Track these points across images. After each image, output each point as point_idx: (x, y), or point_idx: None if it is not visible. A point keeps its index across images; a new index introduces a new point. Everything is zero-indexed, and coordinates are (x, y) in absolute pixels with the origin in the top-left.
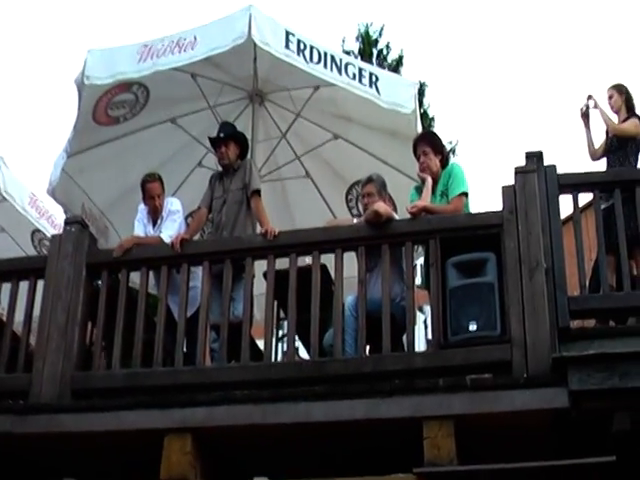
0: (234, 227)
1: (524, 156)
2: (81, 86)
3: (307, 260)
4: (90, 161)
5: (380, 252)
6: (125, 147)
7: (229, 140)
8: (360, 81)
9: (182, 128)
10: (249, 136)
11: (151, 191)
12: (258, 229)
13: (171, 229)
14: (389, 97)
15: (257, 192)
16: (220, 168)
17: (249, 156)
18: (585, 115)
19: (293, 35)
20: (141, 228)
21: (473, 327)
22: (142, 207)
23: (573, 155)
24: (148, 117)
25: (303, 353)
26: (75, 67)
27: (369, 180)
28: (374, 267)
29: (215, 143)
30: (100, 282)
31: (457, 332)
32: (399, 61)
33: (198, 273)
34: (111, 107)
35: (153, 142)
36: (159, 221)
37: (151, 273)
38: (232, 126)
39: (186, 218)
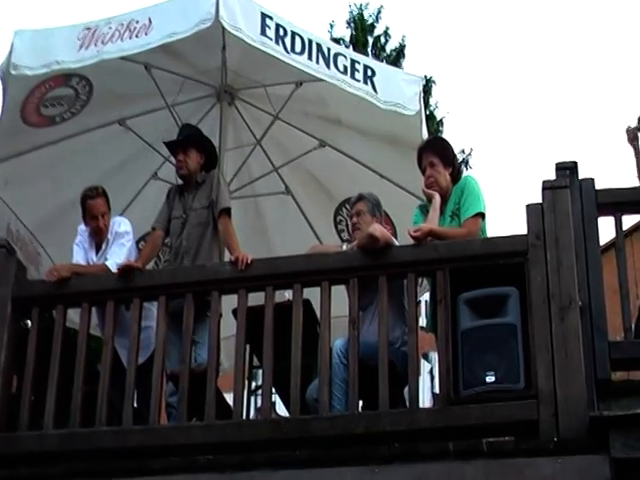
0: (197, 254)
1: (554, 168)
2: (6, 77)
3: (287, 295)
4: (18, 171)
5: (376, 286)
6: (61, 154)
7: (189, 145)
8: (352, 76)
9: (133, 131)
10: (216, 142)
11: (93, 209)
12: (227, 256)
13: (119, 256)
14: (388, 95)
15: (226, 211)
16: (180, 181)
17: (217, 168)
18: (634, 137)
19: (271, 18)
20: (81, 254)
21: (491, 378)
22: (83, 228)
23: (616, 169)
24: (91, 117)
25: (281, 409)
26: None
27: (360, 197)
28: (369, 304)
29: (173, 149)
30: (30, 321)
31: (471, 384)
32: (400, 51)
33: (152, 310)
34: (44, 104)
35: (97, 148)
36: (104, 246)
37: (94, 310)
38: (195, 129)
39: (137, 242)
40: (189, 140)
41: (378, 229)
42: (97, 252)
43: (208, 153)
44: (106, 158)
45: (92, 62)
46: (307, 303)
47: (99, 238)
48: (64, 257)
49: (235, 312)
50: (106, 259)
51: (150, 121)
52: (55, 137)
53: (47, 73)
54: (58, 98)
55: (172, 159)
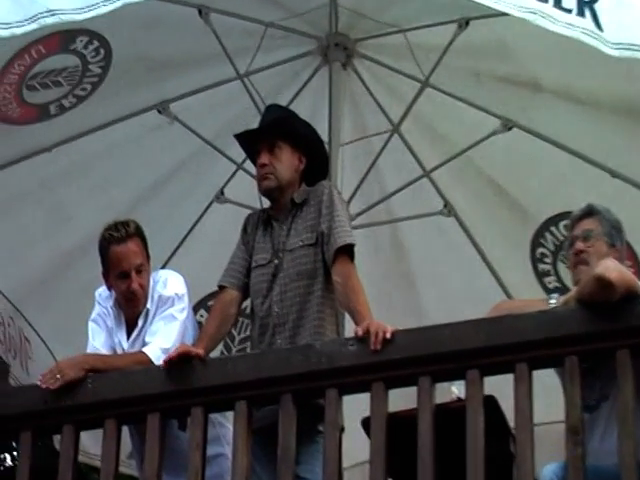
0: (298, 325)
1: None
2: None
3: (455, 391)
4: None
5: (612, 368)
6: (60, 168)
7: (279, 139)
8: (558, 4)
9: (181, 123)
10: (324, 133)
11: (122, 260)
12: (348, 328)
13: (167, 336)
14: (622, 33)
15: (346, 250)
16: (265, 202)
17: (327, 177)
18: None
19: None
20: (103, 336)
21: None
22: (104, 294)
23: None
24: (110, 103)
25: None
26: None
27: (589, 211)
28: (601, 399)
29: (251, 147)
30: (16, 453)
31: None
32: None
33: (227, 428)
34: (29, 85)
35: (120, 156)
36: (141, 321)
37: (125, 431)
38: (287, 112)
39: (196, 310)
40: (278, 129)
41: (613, 268)
42: (130, 332)
43: (311, 152)
44: (137, 171)
45: (110, 10)
46: (491, 402)
47: (132, 308)
48: (71, 344)
49: (367, 423)
50: (145, 343)
51: (210, 103)
52: (48, 140)
53: (32, 32)
54: (53, 73)
55: (250, 166)
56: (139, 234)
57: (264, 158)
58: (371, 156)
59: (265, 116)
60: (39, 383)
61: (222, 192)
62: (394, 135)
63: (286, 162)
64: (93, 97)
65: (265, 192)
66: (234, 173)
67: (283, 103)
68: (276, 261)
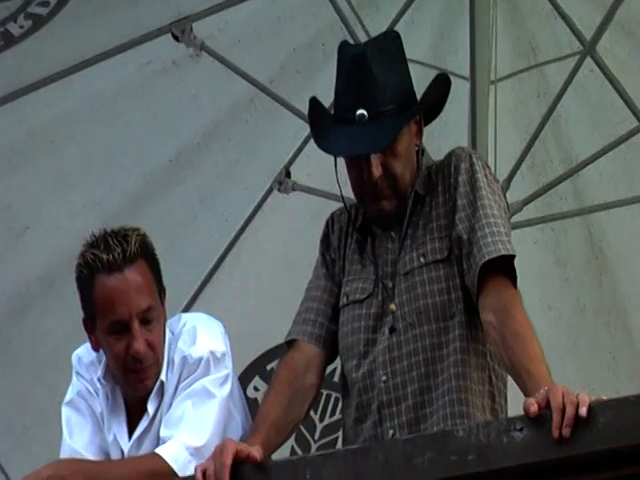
0: (424, 403)
1: None
2: None
3: None
4: None
5: None
6: (4, 150)
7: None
8: None
9: (214, 55)
10: (462, 66)
11: (118, 301)
12: (515, 402)
13: (198, 426)
14: None
15: (502, 266)
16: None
17: (470, 140)
18: None
19: None
20: (86, 431)
21: None
22: (87, 358)
23: None
24: (89, 27)
25: None
26: None
27: None
28: None
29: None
30: None
31: None
32: None
33: None
34: None
35: (111, 119)
36: (152, 405)
37: None
38: (390, 39)
39: (246, 380)
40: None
41: None
42: (133, 423)
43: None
44: (141, 145)
45: None
46: None
47: (137, 383)
48: (33, 450)
49: None
50: (161, 440)
51: (262, 20)
52: None
53: None
54: None
55: None
56: (146, 253)
57: (376, 168)
58: (547, 99)
59: (351, 68)
60: None
61: (287, 173)
62: (585, 60)
63: (405, 148)
64: (60, 17)
65: (380, 217)
66: (305, 141)
67: (386, 19)
68: (382, 294)
